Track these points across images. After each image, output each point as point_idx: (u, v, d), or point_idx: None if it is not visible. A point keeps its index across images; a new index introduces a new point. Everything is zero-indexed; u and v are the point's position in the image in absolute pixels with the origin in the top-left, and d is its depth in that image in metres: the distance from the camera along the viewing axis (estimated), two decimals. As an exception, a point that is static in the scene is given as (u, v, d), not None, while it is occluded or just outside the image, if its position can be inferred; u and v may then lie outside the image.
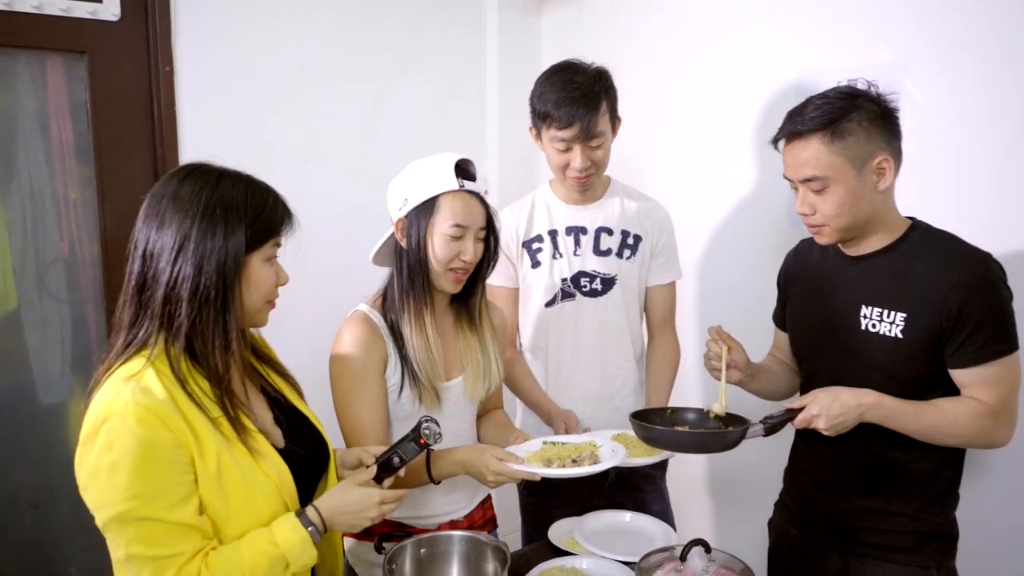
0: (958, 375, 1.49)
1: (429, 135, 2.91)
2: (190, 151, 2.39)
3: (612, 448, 1.62)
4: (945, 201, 1.89)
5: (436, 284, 1.63)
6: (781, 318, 1.84)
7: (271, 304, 1.37)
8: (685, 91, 2.63)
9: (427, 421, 1.44)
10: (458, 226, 1.58)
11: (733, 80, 2.50)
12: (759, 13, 2.40)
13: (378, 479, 1.42)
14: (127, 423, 1.14)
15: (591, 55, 1.98)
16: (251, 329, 1.43)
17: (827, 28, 2.23)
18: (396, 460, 1.43)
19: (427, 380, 1.62)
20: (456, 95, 3.01)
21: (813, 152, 1.49)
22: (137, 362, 1.22)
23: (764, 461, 1.98)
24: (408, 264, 1.61)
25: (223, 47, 2.43)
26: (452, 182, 1.57)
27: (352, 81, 2.72)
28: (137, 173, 2.36)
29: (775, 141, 1.58)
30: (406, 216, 1.60)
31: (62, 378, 2.35)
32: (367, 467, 1.44)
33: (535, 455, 1.61)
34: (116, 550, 1.20)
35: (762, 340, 1.91)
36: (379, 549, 1.51)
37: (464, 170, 1.60)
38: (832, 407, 1.46)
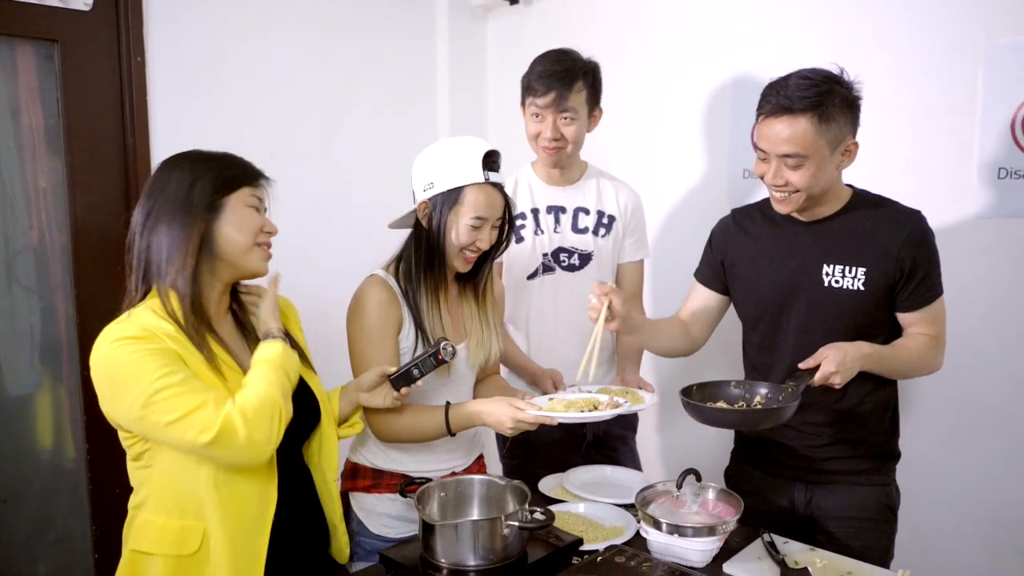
0: (906, 316, 1.73)
1: (386, 130, 3.04)
2: (160, 141, 2.43)
3: (613, 403, 1.77)
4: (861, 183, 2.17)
5: (449, 264, 1.74)
6: (714, 279, 1.96)
7: (263, 249, 1.50)
8: (626, 93, 2.83)
9: (444, 340, 1.61)
10: (479, 218, 1.68)
11: (672, 81, 2.74)
12: (696, 18, 2.66)
13: (397, 389, 1.64)
14: (134, 335, 1.33)
15: (532, 59, 2.14)
16: (281, 302, 1.62)
17: (758, 31, 2.50)
18: (416, 372, 1.61)
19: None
20: (410, 93, 3.14)
21: (800, 131, 1.60)
22: (138, 307, 1.40)
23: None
24: (427, 244, 1.71)
25: (193, 39, 2.49)
26: (478, 174, 1.66)
27: (315, 77, 2.82)
28: (107, 162, 2.37)
29: (758, 114, 1.69)
30: (430, 199, 1.69)
31: (31, 369, 2.32)
32: (387, 376, 1.65)
33: (545, 409, 1.74)
34: (157, 432, 1.32)
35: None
36: (403, 494, 1.63)
37: (491, 162, 1.69)
38: (845, 362, 1.58)
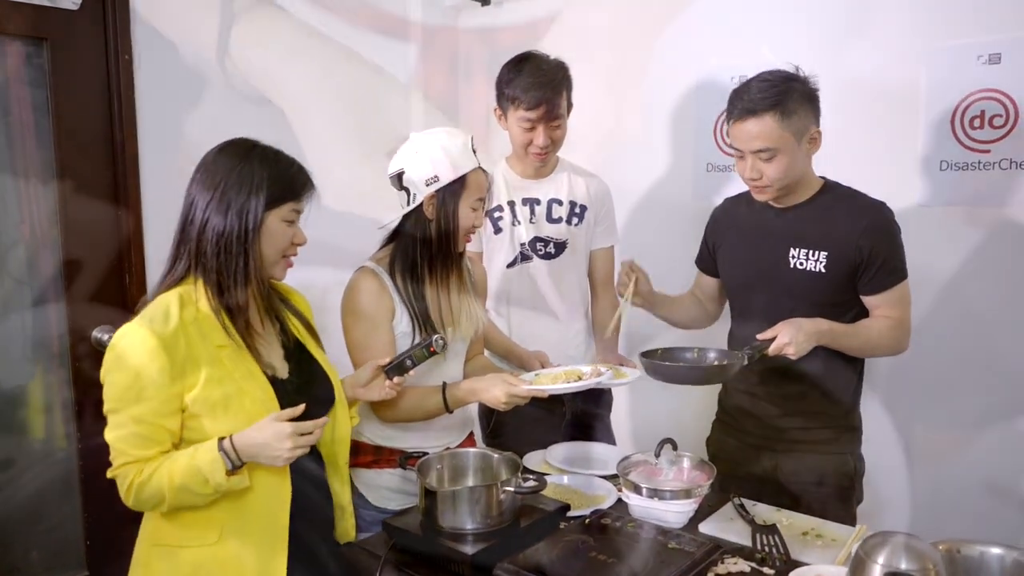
0: (869, 299, 1.89)
1: (360, 125, 3.14)
2: (148, 137, 2.49)
3: (597, 371, 1.90)
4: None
5: (459, 247, 1.87)
6: (709, 263, 2.15)
7: (287, 260, 1.59)
8: (594, 92, 2.95)
9: (435, 334, 1.73)
10: (480, 199, 1.84)
11: (639, 80, 2.89)
12: (661, 21, 2.80)
13: (390, 378, 1.71)
14: (135, 345, 1.42)
15: (502, 58, 2.27)
16: (296, 290, 1.73)
17: (720, 33, 2.66)
18: (408, 363, 1.71)
19: (442, 327, 1.86)
20: (383, 91, 3.24)
21: (767, 127, 1.78)
22: (171, 293, 1.48)
23: (687, 399, 2.34)
24: (438, 234, 1.82)
25: (178, 38, 2.55)
26: (474, 160, 1.82)
27: (292, 73, 2.89)
28: (95, 158, 2.43)
29: (728, 119, 1.87)
30: (437, 192, 1.79)
31: (22, 361, 2.37)
32: (381, 367, 1.72)
33: (533, 383, 1.86)
34: None
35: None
36: (403, 466, 1.75)
37: (474, 147, 1.84)
38: (798, 335, 1.75)
